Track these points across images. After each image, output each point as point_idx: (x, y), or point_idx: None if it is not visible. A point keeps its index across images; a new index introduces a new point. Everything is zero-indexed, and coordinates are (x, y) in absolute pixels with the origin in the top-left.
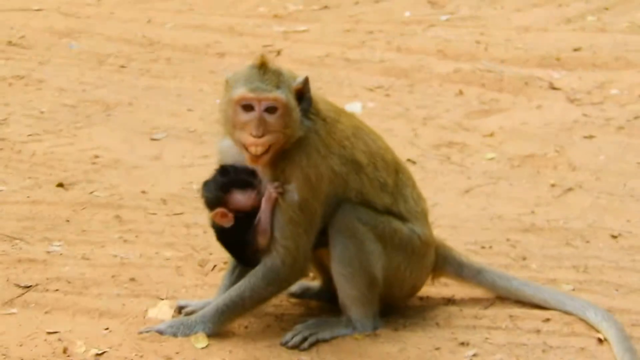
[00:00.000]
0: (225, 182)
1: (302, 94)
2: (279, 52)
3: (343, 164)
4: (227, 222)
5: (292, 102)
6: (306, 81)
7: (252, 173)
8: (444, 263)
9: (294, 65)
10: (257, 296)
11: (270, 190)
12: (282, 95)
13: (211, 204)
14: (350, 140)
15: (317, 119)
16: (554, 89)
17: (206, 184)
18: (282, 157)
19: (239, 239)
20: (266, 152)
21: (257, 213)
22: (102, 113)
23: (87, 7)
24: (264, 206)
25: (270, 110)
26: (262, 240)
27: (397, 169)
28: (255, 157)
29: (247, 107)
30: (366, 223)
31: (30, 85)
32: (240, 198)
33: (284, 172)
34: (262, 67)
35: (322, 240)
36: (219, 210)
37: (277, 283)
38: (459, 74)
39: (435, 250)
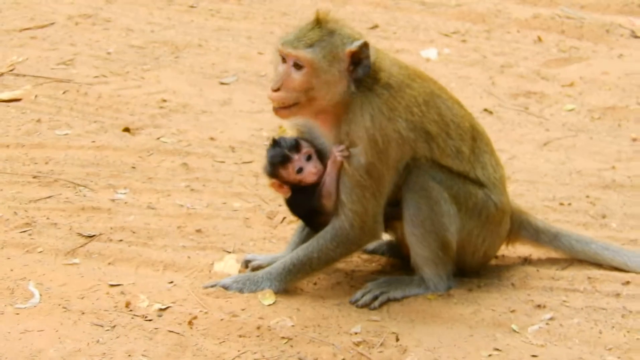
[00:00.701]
0: (272, 156)
1: (359, 59)
2: None
3: (411, 130)
4: (285, 193)
5: (324, 63)
6: (363, 46)
7: (297, 146)
8: (520, 229)
9: (367, 7)
10: (325, 257)
11: (335, 153)
12: (308, 54)
13: (267, 174)
14: (420, 108)
15: (377, 85)
16: (636, 37)
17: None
18: (344, 119)
19: (303, 207)
20: (286, 108)
21: (316, 184)
22: (170, 55)
23: None
24: (329, 169)
25: (297, 67)
26: (326, 203)
27: (474, 136)
28: (275, 110)
29: (283, 60)
30: (441, 182)
31: (97, 25)
32: (283, 173)
33: (348, 135)
34: (314, 22)
35: (394, 213)
36: (274, 181)
37: (345, 245)
38: (537, 19)
39: (511, 214)
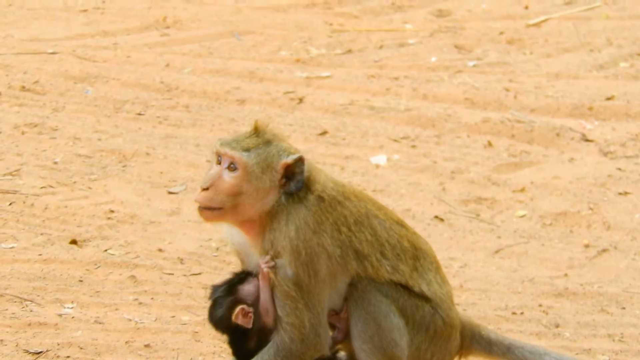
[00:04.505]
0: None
1: (292, 173)
2: (301, 100)
3: (337, 247)
4: (248, 322)
5: (258, 170)
6: (299, 160)
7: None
8: (472, 342)
9: (316, 113)
10: None
11: (261, 265)
12: (244, 157)
13: (232, 305)
14: (350, 228)
15: (308, 197)
16: (587, 140)
17: (217, 288)
18: (270, 228)
19: (244, 343)
20: (211, 210)
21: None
22: (118, 164)
23: (103, 50)
24: (261, 284)
25: (231, 169)
26: (267, 320)
27: (416, 255)
28: (199, 211)
29: (218, 161)
30: (387, 295)
31: (44, 134)
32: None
33: (273, 245)
34: (252, 131)
35: (335, 337)
36: (241, 307)
37: None
38: (487, 124)
39: (462, 328)
